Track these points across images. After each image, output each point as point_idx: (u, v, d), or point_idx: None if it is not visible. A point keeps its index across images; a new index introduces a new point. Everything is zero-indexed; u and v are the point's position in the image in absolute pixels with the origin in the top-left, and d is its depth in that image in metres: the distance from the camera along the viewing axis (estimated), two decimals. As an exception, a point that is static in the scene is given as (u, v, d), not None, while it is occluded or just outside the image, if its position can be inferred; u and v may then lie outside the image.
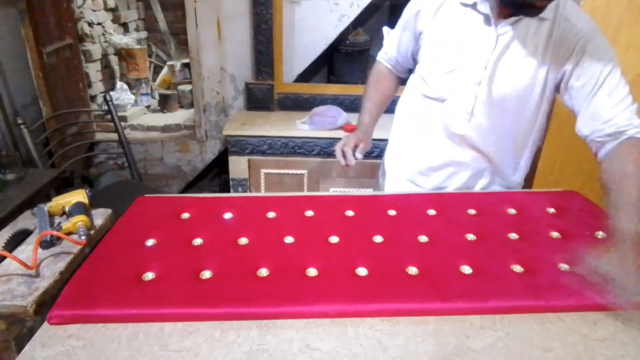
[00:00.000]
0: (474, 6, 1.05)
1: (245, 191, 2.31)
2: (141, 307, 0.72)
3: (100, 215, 0.97)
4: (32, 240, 0.86)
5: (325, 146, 2.23)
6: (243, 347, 0.66)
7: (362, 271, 0.81)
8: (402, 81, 1.36)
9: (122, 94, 3.23)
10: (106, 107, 2.19)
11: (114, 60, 3.52)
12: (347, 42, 2.96)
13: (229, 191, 2.40)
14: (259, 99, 2.52)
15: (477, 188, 1.24)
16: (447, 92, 1.12)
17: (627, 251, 0.79)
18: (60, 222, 0.90)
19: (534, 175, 1.98)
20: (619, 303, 0.73)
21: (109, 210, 0.99)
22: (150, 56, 3.82)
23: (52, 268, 0.78)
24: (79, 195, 0.95)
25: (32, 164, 1.88)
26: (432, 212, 1.04)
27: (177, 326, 0.70)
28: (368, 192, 1.55)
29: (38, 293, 0.72)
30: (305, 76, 2.87)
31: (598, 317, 0.74)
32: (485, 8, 1.03)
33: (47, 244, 0.83)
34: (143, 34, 3.91)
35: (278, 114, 2.50)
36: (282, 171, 2.29)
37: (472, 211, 1.05)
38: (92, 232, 0.90)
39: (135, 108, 3.27)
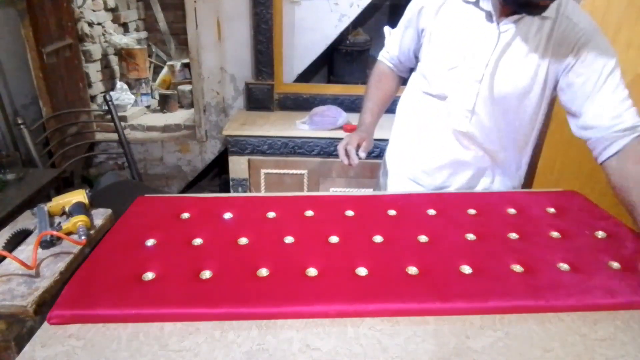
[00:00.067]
0: (476, 3, 1.05)
1: (245, 191, 2.31)
2: (141, 307, 0.72)
3: (100, 215, 0.97)
4: (32, 240, 0.86)
5: (325, 146, 2.23)
6: (243, 347, 0.66)
7: (362, 271, 0.81)
8: (404, 81, 1.36)
9: (122, 94, 3.23)
10: (106, 107, 2.19)
11: (114, 60, 3.52)
12: (347, 42, 2.97)
13: (229, 191, 2.40)
14: (259, 99, 2.52)
15: (480, 187, 1.24)
16: (449, 89, 1.12)
17: None
18: (60, 222, 0.90)
19: (534, 175, 1.98)
20: None
21: (109, 210, 0.99)
22: (150, 56, 3.82)
23: (52, 268, 0.78)
24: (79, 195, 0.95)
25: (32, 164, 1.88)
26: (432, 212, 1.04)
27: (177, 326, 0.70)
28: (368, 192, 1.54)
29: (38, 293, 0.72)
30: (305, 76, 2.87)
31: (598, 317, 0.74)
32: (487, 5, 1.04)
33: (47, 244, 0.83)
34: (143, 34, 3.92)
35: (278, 114, 2.50)
36: (282, 171, 2.29)
37: (472, 211, 1.05)
38: (92, 232, 0.90)
39: (135, 108, 3.28)
